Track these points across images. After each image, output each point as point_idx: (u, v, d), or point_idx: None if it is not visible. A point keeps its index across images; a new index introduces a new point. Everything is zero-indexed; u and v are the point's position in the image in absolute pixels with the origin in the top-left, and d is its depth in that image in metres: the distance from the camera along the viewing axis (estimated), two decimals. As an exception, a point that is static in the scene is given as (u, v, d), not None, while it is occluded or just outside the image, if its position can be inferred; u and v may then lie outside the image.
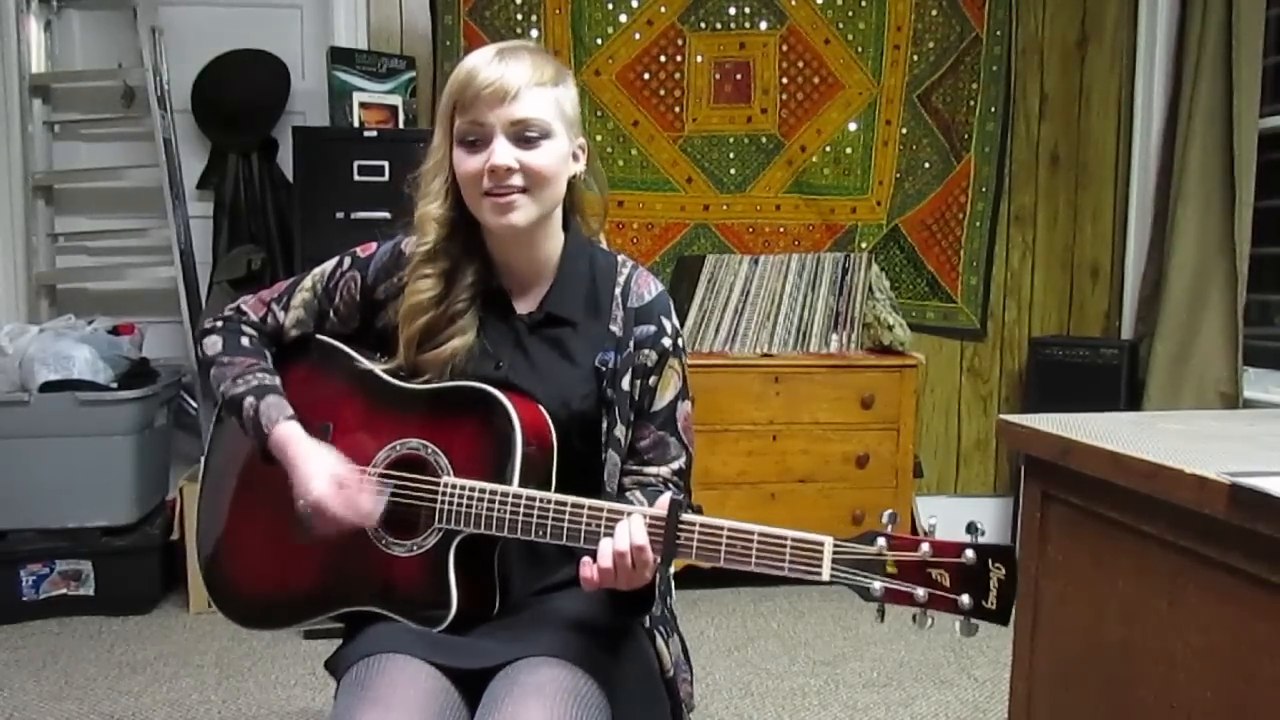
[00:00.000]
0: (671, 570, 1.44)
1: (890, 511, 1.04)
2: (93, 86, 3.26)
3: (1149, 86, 3.37)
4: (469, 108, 1.18)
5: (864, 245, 3.40)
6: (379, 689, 1.07)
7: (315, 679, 2.40)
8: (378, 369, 1.27)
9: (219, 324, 1.35)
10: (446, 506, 1.16)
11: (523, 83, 1.17)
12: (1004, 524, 3.54)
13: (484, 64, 1.18)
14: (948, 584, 0.99)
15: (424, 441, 1.21)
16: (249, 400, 1.25)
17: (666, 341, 1.29)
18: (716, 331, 3.10)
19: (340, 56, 3.00)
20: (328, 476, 1.18)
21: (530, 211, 1.21)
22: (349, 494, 1.18)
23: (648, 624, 1.25)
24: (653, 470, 1.29)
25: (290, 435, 1.23)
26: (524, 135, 1.18)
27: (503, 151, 1.17)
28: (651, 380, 1.28)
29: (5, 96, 3.02)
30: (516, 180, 1.18)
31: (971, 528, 1.01)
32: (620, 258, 1.34)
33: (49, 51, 3.23)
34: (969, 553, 0.98)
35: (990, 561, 0.98)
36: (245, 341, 1.33)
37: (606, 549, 1.07)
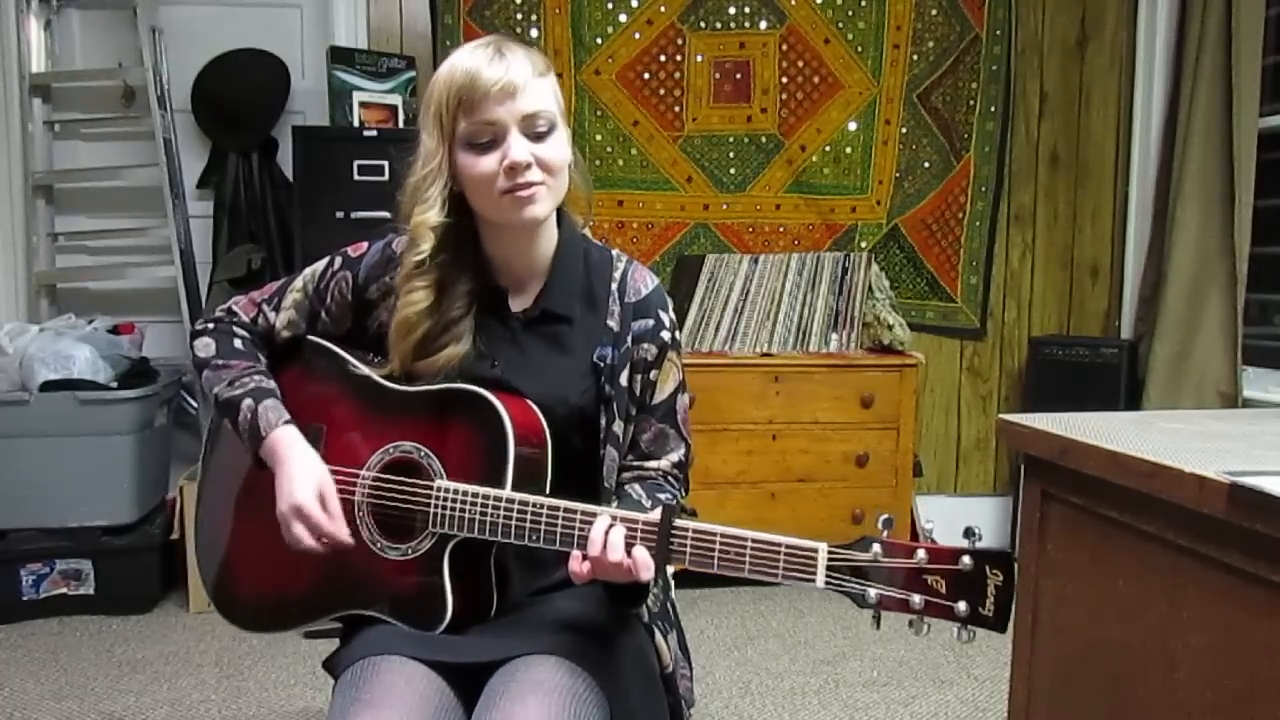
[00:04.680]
0: (671, 568, 1.44)
1: (886, 516, 1.03)
2: (93, 86, 3.26)
3: (1149, 86, 3.37)
4: (476, 108, 1.15)
5: (864, 245, 3.41)
6: (373, 691, 1.07)
7: (315, 679, 2.40)
8: (371, 372, 1.27)
9: (210, 326, 1.35)
10: (440, 511, 1.16)
11: (527, 76, 1.17)
12: (1003, 523, 3.54)
13: (483, 63, 1.16)
14: (944, 591, 0.97)
15: (417, 444, 1.21)
16: (247, 403, 1.24)
17: (665, 335, 1.29)
18: (716, 331, 3.10)
19: (340, 56, 3.00)
20: (314, 485, 1.19)
21: (549, 203, 1.20)
22: (329, 510, 1.19)
23: (646, 619, 1.25)
24: (653, 464, 1.29)
25: (287, 438, 1.23)
26: (535, 129, 1.17)
27: (519, 147, 1.16)
28: (652, 374, 1.28)
29: (5, 96, 3.01)
30: (535, 175, 1.17)
31: (969, 533, 1.00)
32: (615, 253, 1.34)
33: (49, 51, 3.23)
34: (965, 559, 0.97)
35: (987, 568, 0.96)
36: (239, 344, 1.32)
37: (577, 555, 1.08)
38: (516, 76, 1.15)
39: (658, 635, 1.26)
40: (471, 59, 1.17)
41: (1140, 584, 1.15)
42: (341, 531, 1.19)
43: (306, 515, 1.17)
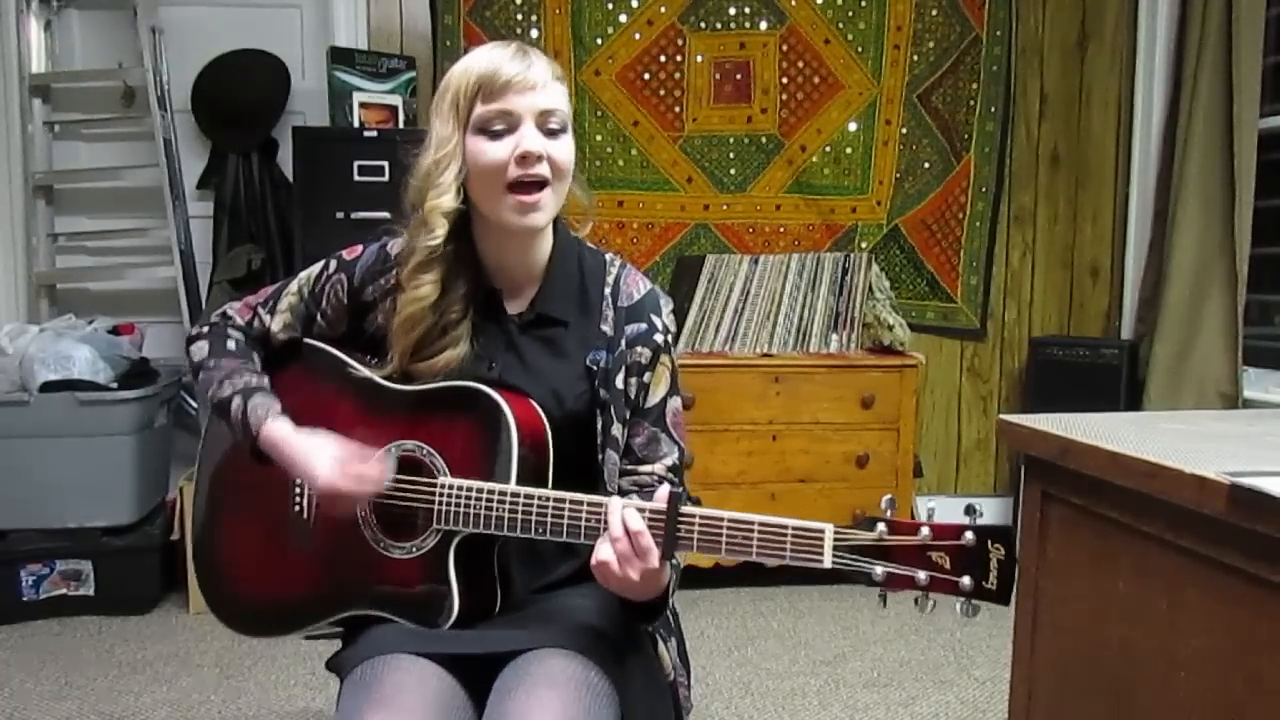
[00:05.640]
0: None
1: (889, 497, 1.05)
2: (93, 86, 3.26)
3: (1149, 86, 3.37)
4: (495, 96, 1.17)
5: (864, 245, 3.40)
6: (385, 690, 1.07)
7: (315, 679, 2.40)
8: (370, 373, 1.27)
9: (205, 330, 1.35)
10: (444, 507, 1.16)
11: (547, 76, 1.19)
12: (1004, 524, 3.54)
13: (506, 57, 1.18)
14: (948, 566, 1.00)
15: (419, 443, 1.21)
16: (236, 401, 1.25)
17: (659, 338, 1.29)
18: (716, 331, 3.09)
19: (340, 56, 3.00)
20: (329, 460, 1.18)
21: (550, 210, 1.21)
22: (354, 469, 1.18)
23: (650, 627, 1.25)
24: (646, 469, 1.28)
25: (280, 431, 1.23)
26: (549, 126, 1.19)
27: (532, 138, 1.17)
28: (646, 377, 1.28)
29: (5, 96, 3.02)
30: (544, 170, 1.18)
31: (970, 510, 1.02)
32: (609, 256, 1.34)
33: (49, 51, 3.23)
34: (968, 534, 0.99)
35: (990, 542, 0.99)
36: (231, 345, 1.32)
37: (605, 539, 1.07)
38: (537, 74, 1.18)
39: (659, 643, 1.26)
40: (494, 53, 1.20)
41: (1140, 584, 1.15)
42: (379, 472, 1.18)
43: (341, 489, 1.17)
